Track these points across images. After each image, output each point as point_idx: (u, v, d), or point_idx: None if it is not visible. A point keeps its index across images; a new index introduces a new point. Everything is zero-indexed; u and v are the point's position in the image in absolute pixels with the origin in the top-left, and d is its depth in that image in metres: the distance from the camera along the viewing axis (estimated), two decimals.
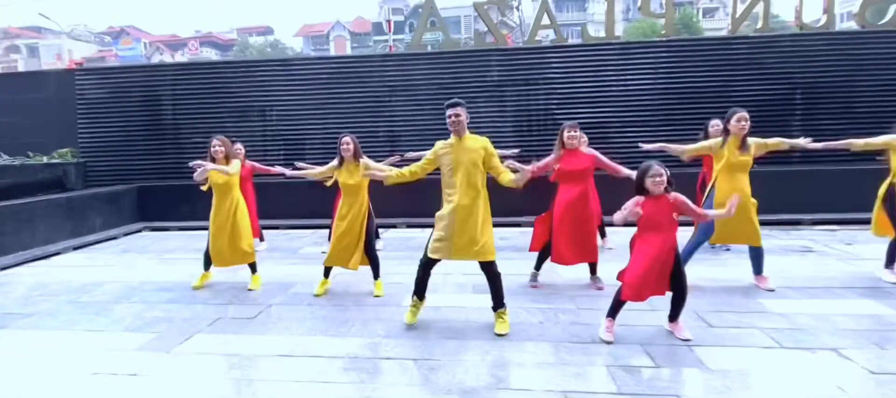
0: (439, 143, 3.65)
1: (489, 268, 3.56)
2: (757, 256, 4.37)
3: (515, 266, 4.85)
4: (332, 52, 48.78)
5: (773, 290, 4.23)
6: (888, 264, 4.46)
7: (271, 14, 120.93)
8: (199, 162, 4.77)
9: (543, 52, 8.93)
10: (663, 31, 9.24)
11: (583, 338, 3.39)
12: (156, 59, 45.63)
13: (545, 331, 3.54)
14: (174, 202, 8.75)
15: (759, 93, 8.41)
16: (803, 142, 4.39)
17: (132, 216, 8.66)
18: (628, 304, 3.33)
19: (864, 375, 2.81)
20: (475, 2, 9.32)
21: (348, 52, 48.35)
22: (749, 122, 4.19)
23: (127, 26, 52.80)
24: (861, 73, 8.32)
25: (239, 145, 6.58)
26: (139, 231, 8.28)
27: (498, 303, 3.58)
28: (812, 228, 6.94)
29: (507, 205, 6.10)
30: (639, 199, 3.22)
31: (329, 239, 5.18)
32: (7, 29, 53.21)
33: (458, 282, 4.71)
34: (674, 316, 3.37)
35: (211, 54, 51.13)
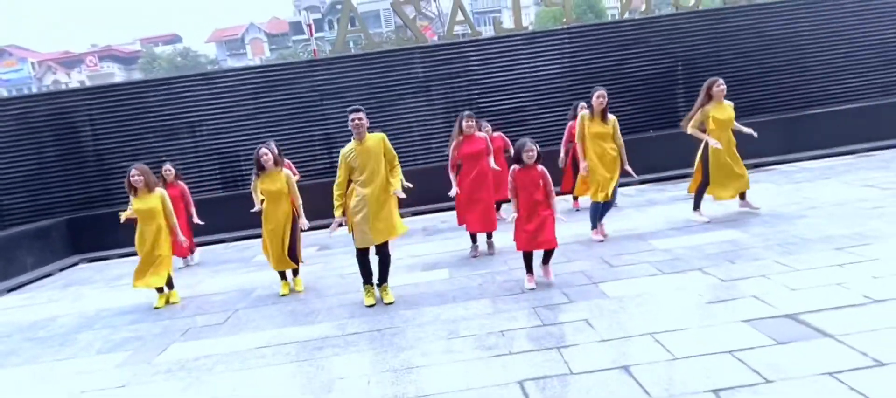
0: (344, 150, 4.17)
1: (385, 248, 4.22)
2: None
3: (457, 243, 5.54)
4: (250, 56, 46.84)
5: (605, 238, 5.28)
6: (695, 208, 5.66)
7: (177, 20, 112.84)
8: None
9: (462, 47, 9.64)
10: (564, 20, 10.27)
11: (514, 290, 4.15)
12: (48, 80, 41.47)
13: (484, 290, 4.26)
14: (108, 230, 8.54)
15: (647, 69, 9.68)
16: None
17: (65, 250, 8.39)
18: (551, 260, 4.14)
19: (717, 283, 3.78)
20: (392, 1, 9.81)
21: (267, 54, 46.66)
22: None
23: (8, 46, 47.25)
24: (727, 44, 9.84)
25: (169, 165, 6.65)
26: (76, 264, 8.07)
27: (383, 279, 4.31)
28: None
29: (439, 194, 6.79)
30: (515, 167, 4.07)
31: None
32: None
33: (407, 264, 5.33)
34: (545, 260, 4.25)
35: (113, 69, 47.18)
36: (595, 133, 5.19)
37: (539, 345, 3.14)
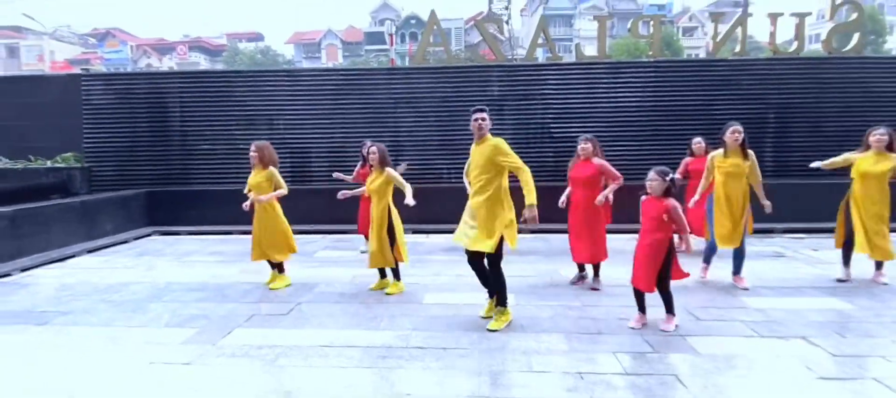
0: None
1: (479, 259, 3.87)
2: (738, 257, 4.94)
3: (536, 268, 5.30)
4: (324, 61, 49.02)
5: (747, 289, 4.79)
6: (844, 264, 5.09)
7: (261, 20, 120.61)
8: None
9: (540, 69, 9.48)
10: (650, 53, 9.89)
11: (589, 329, 3.85)
12: (143, 63, 45.24)
13: (556, 323, 3.99)
14: (183, 207, 9.01)
15: (736, 112, 9.08)
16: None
17: (142, 220, 8.88)
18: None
19: (827, 357, 3.32)
20: (476, 20, 9.83)
21: (340, 60, 48.65)
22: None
23: (112, 28, 52.20)
24: (828, 95, 9.08)
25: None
26: (149, 235, 8.51)
27: (491, 293, 4.02)
28: (783, 236, 7.57)
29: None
30: (643, 196, 3.80)
31: (367, 240, 5.60)
32: None
33: (475, 283, 5.14)
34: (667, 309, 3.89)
35: (199, 59, 50.84)
36: (728, 172, 4.84)
37: (625, 396, 2.85)
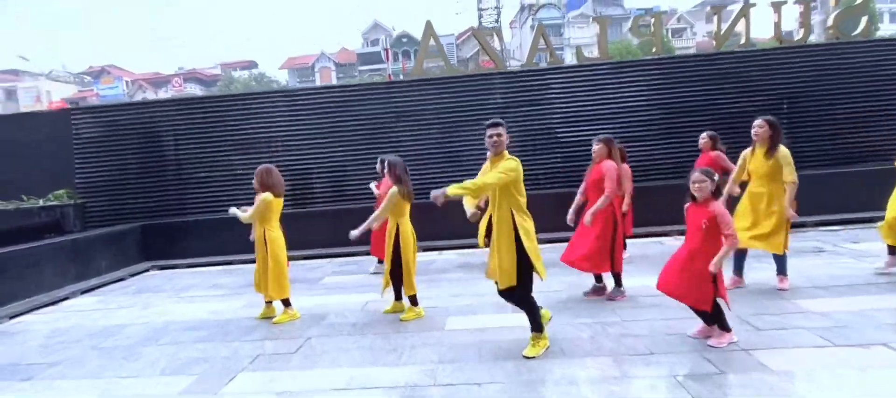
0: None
1: (510, 296, 3.45)
2: (779, 258, 4.52)
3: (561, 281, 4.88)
4: (318, 84, 49.07)
5: (786, 290, 4.40)
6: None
7: (254, 48, 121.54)
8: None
9: (544, 74, 9.16)
10: (654, 50, 9.59)
11: (639, 350, 3.42)
12: (138, 98, 45.20)
13: (600, 345, 3.56)
14: (180, 239, 8.60)
15: (745, 105, 8.73)
16: None
17: (137, 256, 8.46)
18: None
19: None
20: (474, 29, 9.56)
21: (334, 82, 48.72)
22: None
23: (107, 66, 52.32)
24: (838, 82, 8.76)
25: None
26: (147, 270, 8.08)
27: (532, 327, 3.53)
28: (816, 229, 7.16)
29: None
30: (687, 203, 3.39)
31: (380, 262, 5.37)
32: None
33: (497, 302, 4.71)
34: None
35: (195, 90, 50.83)
36: (752, 170, 4.44)
37: None
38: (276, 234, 4.75)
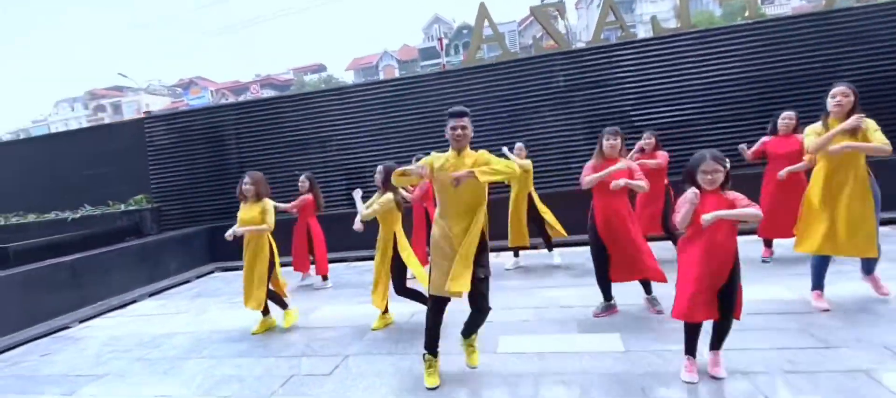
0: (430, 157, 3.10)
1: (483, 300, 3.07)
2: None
3: (626, 287, 4.12)
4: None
5: (887, 295, 3.53)
6: None
7: (323, 52, 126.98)
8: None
9: (612, 50, 8.17)
10: (747, 14, 8.24)
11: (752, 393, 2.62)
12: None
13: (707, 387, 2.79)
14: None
15: (870, 71, 7.18)
16: None
17: (204, 257, 8.70)
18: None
19: None
20: (532, 6, 8.77)
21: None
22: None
23: (195, 77, 56.95)
24: None
25: (303, 177, 6.37)
26: (211, 272, 8.26)
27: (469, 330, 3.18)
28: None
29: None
30: (697, 191, 2.65)
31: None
32: (93, 91, 58.94)
33: (554, 317, 4.06)
34: (715, 344, 2.81)
35: (270, 94, 53.94)
36: (832, 153, 3.47)
37: None
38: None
